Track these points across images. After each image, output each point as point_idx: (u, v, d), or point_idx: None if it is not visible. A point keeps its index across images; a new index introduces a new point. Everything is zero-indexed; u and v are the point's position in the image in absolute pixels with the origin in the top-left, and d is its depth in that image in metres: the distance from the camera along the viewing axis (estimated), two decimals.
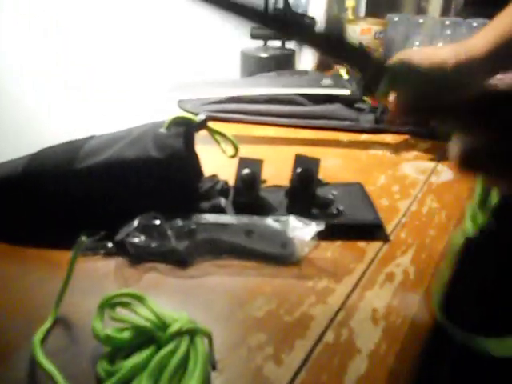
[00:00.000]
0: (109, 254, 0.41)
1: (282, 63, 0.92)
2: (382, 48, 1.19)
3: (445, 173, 0.60)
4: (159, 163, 0.41)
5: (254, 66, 0.92)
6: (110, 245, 0.41)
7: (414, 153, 0.66)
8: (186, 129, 0.42)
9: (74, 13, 0.70)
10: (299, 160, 0.46)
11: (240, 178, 0.46)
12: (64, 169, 0.42)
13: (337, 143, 0.69)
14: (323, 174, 0.48)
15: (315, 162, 0.46)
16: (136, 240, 0.40)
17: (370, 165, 0.62)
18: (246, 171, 0.45)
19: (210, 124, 0.44)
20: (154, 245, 0.40)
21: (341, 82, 0.77)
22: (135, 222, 0.40)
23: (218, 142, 0.45)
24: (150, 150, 0.41)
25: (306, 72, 0.88)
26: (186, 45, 0.92)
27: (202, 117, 0.43)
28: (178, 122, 0.43)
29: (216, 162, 0.47)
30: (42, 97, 0.69)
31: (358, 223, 0.45)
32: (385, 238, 0.45)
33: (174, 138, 0.41)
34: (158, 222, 0.40)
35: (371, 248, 0.43)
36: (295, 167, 0.46)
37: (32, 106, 0.68)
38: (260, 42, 0.96)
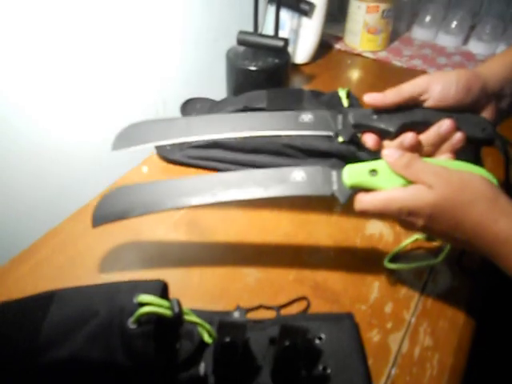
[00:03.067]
0: None
1: (275, 77, 0.81)
2: (390, 27, 1.04)
3: (443, 274, 0.56)
4: (126, 369, 0.37)
5: (242, 79, 0.81)
6: None
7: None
8: (155, 328, 0.37)
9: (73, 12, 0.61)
10: (285, 330, 0.42)
11: (220, 346, 0.42)
12: (25, 361, 0.38)
13: (329, 211, 0.64)
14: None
15: (303, 332, 0.42)
16: None
17: (363, 257, 0.57)
18: (226, 340, 0.41)
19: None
20: None
21: (323, 121, 0.54)
22: None
23: (196, 324, 0.41)
24: (117, 352, 0.37)
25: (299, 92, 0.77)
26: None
27: (176, 310, 0.38)
28: (148, 315, 0.37)
29: None
30: (41, 95, 0.62)
31: None
32: None
33: (144, 340, 0.37)
34: None
35: None
36: (281, 338, 0.42)
37: (31, 106, 0.61)
38: None
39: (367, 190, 0.46)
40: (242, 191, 0.48)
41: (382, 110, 0.50)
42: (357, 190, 0.46)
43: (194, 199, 0.48)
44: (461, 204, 0.41)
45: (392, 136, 0.50)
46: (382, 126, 0.50)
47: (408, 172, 0.43)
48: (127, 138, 0.54)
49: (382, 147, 0.52)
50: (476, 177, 0.42)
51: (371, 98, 0.50)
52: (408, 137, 0.48)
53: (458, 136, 0.49)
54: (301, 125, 0.53)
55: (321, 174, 0.48)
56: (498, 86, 0.50)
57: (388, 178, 0.45)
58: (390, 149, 0.45)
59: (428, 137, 0.49)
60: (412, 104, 0.50)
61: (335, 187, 0.47)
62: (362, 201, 0.44)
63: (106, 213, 0.50)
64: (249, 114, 0.56)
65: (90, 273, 0.54)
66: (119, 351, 0.37)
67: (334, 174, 0.48)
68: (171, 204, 0.49)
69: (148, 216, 0.62)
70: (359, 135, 0.56)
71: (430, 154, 0.50)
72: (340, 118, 0.53)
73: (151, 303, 0.38)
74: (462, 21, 1.07)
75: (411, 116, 0.50)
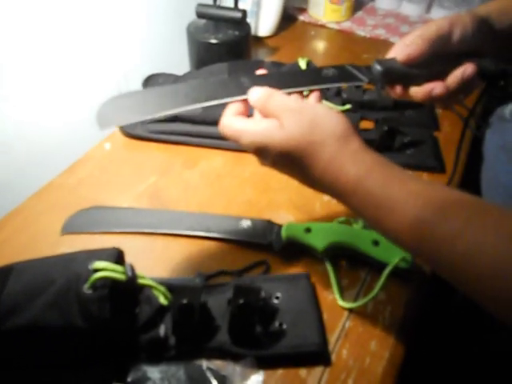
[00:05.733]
0: None
1: (237, 49, 0.81)
2: None
3: None
4: (84, 333, 0.38)
5: (203, 52, 0.81)
6: None
7: None
8: (111, 292, 0.38)
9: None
10: (239, 290, 0.43)
11: (177, 309, 0.43)
12: None
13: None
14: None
15: (256, 292, 0.43)
16: None
17: (322, 221, 0.59)
18: (183, 302, 0.43)
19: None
20: None
21: (348, 72, 0.51)
22: None
23: (150, 287, 0.42)
24: (74, 316, 0.38)
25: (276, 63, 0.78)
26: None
27: (130, 273, 0.39)
28: (103, 279, 0.39)
29: None
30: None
31: (300, 352, 0.44)
32: (326, 363, 0.45)
33: (99, 304, 0.38)
34: None
35: (312, 377, 0.44)
36: (235, 297, 0.43)
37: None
38: None
39: (301, 243, 0.53)
40: (192, 232, 0.57)
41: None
42: (292, 241, 0.54)
43: None
44: (311, 146, 0.38)
45: (419, 83, 0.48)
46: (414, 70, 0.47)
47: (265, 109, 0.41)
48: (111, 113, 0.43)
49: (407, 95, 0.49)
50: (330, 114, 0.39)
51: (403, 52, 0.46)
52: (438, 87, 0.47)
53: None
54: (325, 79, 0.48)
55: (264, 225, 0.56)
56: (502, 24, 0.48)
57: (318, 237, 0.53)
58: (253, 89, 0.42)
59: (452, 82, 0.47)
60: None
61: (273, 237, 0.55)
62: (223, 123, 0.42)
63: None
64: (262, 75, 0.49)
65: (53, 248, 0.55)
66: (76, 316, 0.38)
67: (275, 227, 0.55)
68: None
69: (110, 190, 0.63)
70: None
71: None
72: (363, 68, 0.49)
73: (106, 269, 0.39)
74: None
75: (436, 61, 0.47)
